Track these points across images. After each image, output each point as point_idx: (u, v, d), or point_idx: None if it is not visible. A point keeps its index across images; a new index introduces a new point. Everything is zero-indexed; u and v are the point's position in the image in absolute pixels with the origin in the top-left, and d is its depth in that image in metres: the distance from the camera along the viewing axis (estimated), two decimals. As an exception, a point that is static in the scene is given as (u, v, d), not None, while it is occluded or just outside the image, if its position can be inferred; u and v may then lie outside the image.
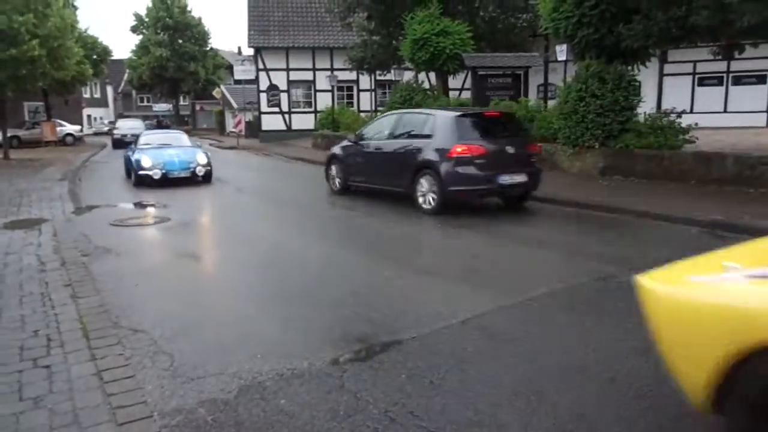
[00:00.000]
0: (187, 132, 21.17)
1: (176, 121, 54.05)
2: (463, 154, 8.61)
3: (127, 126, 32.32)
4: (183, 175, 13.17)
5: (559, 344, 3.93)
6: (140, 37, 49.33)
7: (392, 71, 21.93)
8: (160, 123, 54.57)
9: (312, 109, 29.05)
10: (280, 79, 29.11)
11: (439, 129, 9.08)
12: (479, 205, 9.49)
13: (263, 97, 29.33)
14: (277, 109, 29.37)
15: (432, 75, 19.65)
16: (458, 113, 9.40)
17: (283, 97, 29.32)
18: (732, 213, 7.69)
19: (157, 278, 5.89)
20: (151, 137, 15.37)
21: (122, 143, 28.53)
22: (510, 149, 8.89)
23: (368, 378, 3.49)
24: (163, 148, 14.05)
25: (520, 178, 8.92)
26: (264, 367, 3.65)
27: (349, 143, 11.28)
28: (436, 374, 3.52)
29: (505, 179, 8.74)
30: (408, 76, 20.51)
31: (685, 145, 11.18)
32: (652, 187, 10.29)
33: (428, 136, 9.18)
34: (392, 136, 10.08)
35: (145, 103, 65.37)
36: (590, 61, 11.85)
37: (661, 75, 22.11)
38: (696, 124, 11.66)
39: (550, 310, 4.61)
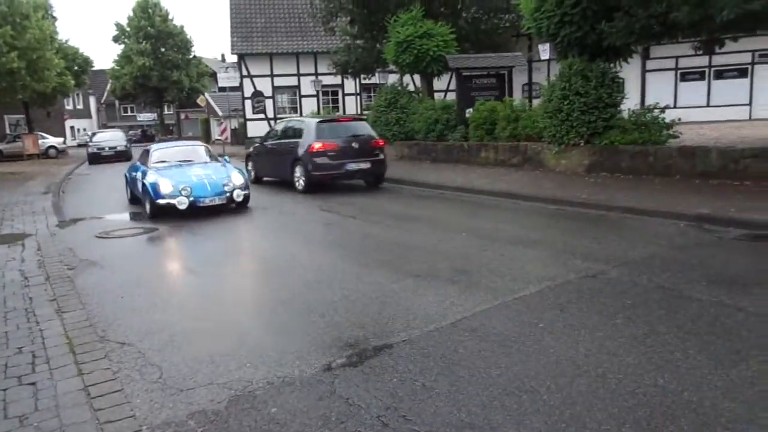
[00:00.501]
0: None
1: (161, 130, 53.81)
2: (319, 149, 11.76)
3: (104, 138, 29.25)
4: (217, 202, 10.02)
5: (548, 343, 3.93)
6: (122, 46, 49.18)
7: (377, 74, 21.97)
8: (144, 133, 54.09)
9: (298, 115, 28.93)
10: (264, 86, 29.00)
11: (306, 131, 12.25)
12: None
13: (248, 103, 29.19)
14: (262, 116, 29.22)
15: (417, 77, 19.70)
16: (319, 120, 12.83)
17: (268, 103, 29.20)
18: (718, 206, 7.75)
19: (143, 290, 5.80)
20: (165, 152, 11.72)
21: (99, 157, 26.99)
22: (356, 144, 12.07)
23: (360, 383, 3.47)
24: (185, 167, 10.82)
25: (365, 165, 12.13)
26: (254, 375, 3.62)
27: (258, 144, 14.63)
28: (428, 377, 3.50)
29: (352, 166, 11.96)
30: (393, 78, 20.57)
31: (670, 140, 11.27)
32: (638, 182, 10.35)
33: (300, 137, 12.33)
34: (283, 137, 13.30)
35: (129, 113, 65.04)
36: (573, 59, 11.91)
37: (644, 71, 22.33)
38: (679, 119, 11.76)
39: (538, 308, 4.61)
